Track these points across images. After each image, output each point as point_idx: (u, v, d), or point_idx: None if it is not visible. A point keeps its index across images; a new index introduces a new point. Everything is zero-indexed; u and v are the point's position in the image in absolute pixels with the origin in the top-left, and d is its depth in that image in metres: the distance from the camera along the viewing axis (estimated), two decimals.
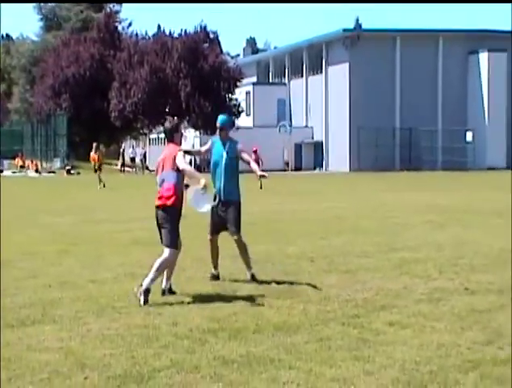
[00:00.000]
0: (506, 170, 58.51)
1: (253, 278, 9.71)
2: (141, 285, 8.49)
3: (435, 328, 7.35)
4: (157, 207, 8.78)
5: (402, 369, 6.04)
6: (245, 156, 9.93)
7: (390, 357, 6.36)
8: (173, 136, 9.04)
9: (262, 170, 10.38)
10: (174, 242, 8.72)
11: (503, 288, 9.38)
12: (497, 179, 42.84)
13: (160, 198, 8.76)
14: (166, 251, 8.72)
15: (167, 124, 9.12)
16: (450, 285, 9.59)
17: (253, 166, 9.96)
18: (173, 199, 8.63)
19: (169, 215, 8.68)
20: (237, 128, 62.69)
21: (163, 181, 8.78)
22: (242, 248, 9.80)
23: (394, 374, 5.92)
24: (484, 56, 65.64)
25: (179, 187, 8.72)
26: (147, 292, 8.41)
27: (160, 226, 8.81)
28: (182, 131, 9.48)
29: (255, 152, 32.67)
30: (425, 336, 7.04)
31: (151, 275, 8.56)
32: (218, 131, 9.89)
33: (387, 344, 6.76)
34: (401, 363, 6.20)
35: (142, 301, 8.35)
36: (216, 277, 9.88)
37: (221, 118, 10.05)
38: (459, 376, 5.89)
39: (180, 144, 9.14)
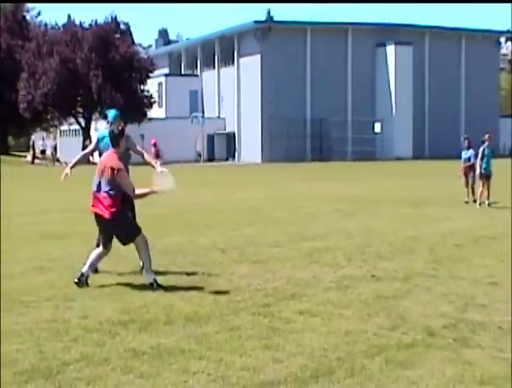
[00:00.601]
0: (412, 160, 60.12)
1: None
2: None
3: (343, 315, 7.48)
4: (96, 214, 8.77)
5: (311, 357, 6.13)
6: (138, 150, 9.97)
7: (299, 345, 6.44)
8: (118, 141, 8.89)
9: (163, 164, 10.35)
10: (133, 233, 8.73)
11: (408, 275, 9.63)
12: (403, 169, 43.89)
13: (96, 205, 8.70)
14: (137, 239, 8.77)
15: (113, 128, 9.01)
16: (358, 273, 9.78)
17: (150, 160, 9.93)
18: (113, 210, 8.60)
19: (113, 225, 8.69)
20: (149, 119, 62.27)
21: (100, 187, 8.70)
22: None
23: (303, 361, 5.99)
24: (391, 49, 67.02)
25: (118, 198, 8.62)
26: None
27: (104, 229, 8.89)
28: (128, 135, 9.34)
29: (154, 145, 31.40)
30: (334, 324, 7.15)
31: (146, 265, 8.79)
32: (109, 125, 9.80)
33: (296, 332, 6.84)
34: (310, 350, 6.29)
35: None
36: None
37: (112, 113, 10.07)
38: (365, 361, 6.02)
39: (122, 148, 9.00)
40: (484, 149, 20.08)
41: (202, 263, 10.49)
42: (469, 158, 20.89)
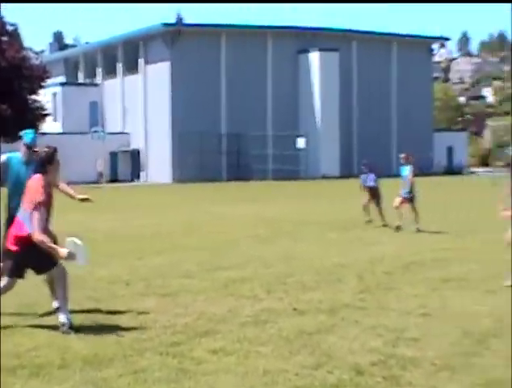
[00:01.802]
0: (340, 178, 60.83)
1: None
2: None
3: (261, 353, 7.53)
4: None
5: None
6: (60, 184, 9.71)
7: None
8: (45, 167, 8.68)
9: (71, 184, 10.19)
10: (50, 264, 8.59)
11: (334, 307, 9.76)
12: (329, 189, 44.52)
13: (15, 242, 8.58)
14: (53, 271, 8.65)
15: (41, 153, 8.74)
16: (278, 306, 9.86)
17: (68, 190, 9.77)
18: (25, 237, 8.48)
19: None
20: (42, 134, 61.34)
21: (20, 218, 8.57)
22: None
23: None
24: (314, 56, 68.00)
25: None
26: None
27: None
28: (59, 159, 8.89)
29: None
30: (251, 363, 7.19)
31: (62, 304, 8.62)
32: (25, 148, 9.56)
33: (209, 374, 6.85)
34: None
35: None
36: None
37: (30, 135, 9.67)
38: None
39: (54, 175, 8.84)
40: (404, 170, 20.68)
41: (102, 298, 10.40)
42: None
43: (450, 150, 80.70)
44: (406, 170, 20.87)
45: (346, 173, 64.20)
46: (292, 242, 17.35)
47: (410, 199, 20.25)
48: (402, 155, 21.72)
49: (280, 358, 7.36)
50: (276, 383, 6.58)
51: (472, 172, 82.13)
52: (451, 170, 77.62)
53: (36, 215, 8.40)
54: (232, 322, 8.95)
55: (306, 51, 68.00)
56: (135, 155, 66.90)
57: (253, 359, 7.33)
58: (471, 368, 7.00)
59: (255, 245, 16.86)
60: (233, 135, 64.56)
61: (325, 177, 62.27)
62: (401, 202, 20.22)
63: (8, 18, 68.03)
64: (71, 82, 75.09)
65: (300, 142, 64.68)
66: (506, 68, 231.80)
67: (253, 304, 10.01)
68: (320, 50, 67.56)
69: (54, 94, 70.17)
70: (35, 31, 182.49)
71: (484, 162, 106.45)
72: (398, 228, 19.59)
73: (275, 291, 10.93)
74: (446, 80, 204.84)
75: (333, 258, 14.41)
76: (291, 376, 6.79)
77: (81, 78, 75.75)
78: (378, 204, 21.32)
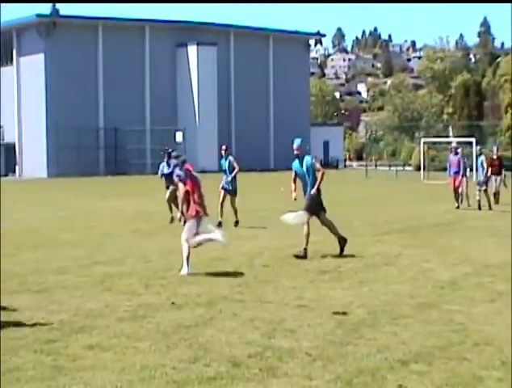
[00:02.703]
0: (218, 173, 60.89)
1: None
2: None
3: (139, 348, 7.49)
4: None
5: None
6: None
7: (88, 384, 6.37)
8: None
9: None
10: None
11: (212, 300, 9.80)
12: (206, 183, 44.51)
13: None
14: None
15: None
16: (156, 300, 9.82)
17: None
18: None
19: None
20: None
21: None
22: None
23: None
24: (193, 50, 67.93)
25: None
26: None
27: None
28: None
29: None
30: (128, 358, 7.15)
31: None
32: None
33: (85, 370, 6.76)
34: None
35: None
36: None
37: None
38: None
39: None
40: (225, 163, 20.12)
41: None
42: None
43: (326, 144, 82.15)
44: (227, 163, 20.20)
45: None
46: (171, 237, 17.27)
47: (230, 191, 19.84)
48: (223, 147, 21.24)
49: (158, 353, 7.35)
50: (153, 378, 6.56)
51: (348, 166, 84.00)
52: (328, 164, 79.06)
53: None
54: (109, 317, 8.87)
55: (184, 45, 67.83)
56: (9, 149, 65.17)
57: (130, 354, 7.28)
58: (344, 357, 7.17)
59: (134, 240, 16.75)
60: (111, 129, 63.79)
61: (203, 171, 62.25)
62: (224, 195, 19.74)
63: None
64: None
65: (179, 136, 64.43)
66: (379, 64, 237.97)
67: (131, 299, 9.94)
68: (198, 44, 67.53)
69: None
70: None
71: (359, 155, 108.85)
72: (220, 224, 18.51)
73: (153, 286, 10.89)
74: (322, 75, 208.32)
75: (211, 252, 14.42)
76: (169, 370, 6.78)
77: None
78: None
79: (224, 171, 20.38)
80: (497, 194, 26.39)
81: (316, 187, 14.02)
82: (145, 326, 8.41)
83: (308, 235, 13.68)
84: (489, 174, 26.23)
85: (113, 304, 9.62)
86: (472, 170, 32.64)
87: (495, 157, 26.86)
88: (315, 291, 10.41)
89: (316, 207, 14.12)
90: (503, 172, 27.17)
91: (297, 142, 14.23)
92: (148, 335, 8.04)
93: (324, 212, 14.32)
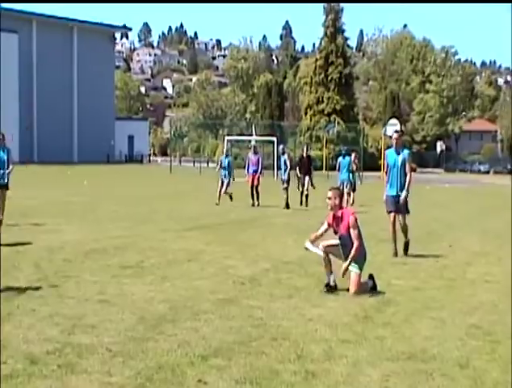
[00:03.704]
0: (19, 164, 59.14)
1: None
2: None
3: None
4: None
5: None
6: None
7: None
8: None
9: None
10: None
11: (9, 295, 9.48)
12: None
13: None
14: None
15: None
16: None
17: None
18: None
19: None
20: None
21: None
22: None
23: None
24: None
25: None
26: None
27: None
28: None
29: None
30: None
31: None
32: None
33: None
34: None
35: None
36: None
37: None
38: None
39: None
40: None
41: None
42: None
43: (131, 139, 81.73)
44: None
45: (26, 160, 62.73)
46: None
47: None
48: None
49: None
50: None
51: (153, 161, 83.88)
52: (132, 159, 78.65)
53: None
54: None
55: None
56: None
57: None
58: (145, 352, 7.15)
59: None
60: None
61: None
62: None
63: None
64: None
65: None
66: (185, 61, 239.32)
67: None
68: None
69: None
70: None
71: (164, 151, 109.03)
72: None
73: None
74: (128, 70, 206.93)
75: (10, 245, 13.98)
76: None
77: None
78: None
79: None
80: (307, 196, 26.07)
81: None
82: None
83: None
84: (299, 174, 26.38)
85: None
86: (273, 168, 33.17)
87: (304, 155, 27.01)
88: (117, 286, 10.32)
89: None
90: (312, 172, 26.86)
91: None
92: None
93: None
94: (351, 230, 10.14)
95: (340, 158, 26.64)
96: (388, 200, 14.08)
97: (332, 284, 10.26)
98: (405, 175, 13.89)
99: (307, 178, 26.38)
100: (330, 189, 10.49)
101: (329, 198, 10.33)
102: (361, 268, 10.22)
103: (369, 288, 10.26)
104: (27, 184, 34.49)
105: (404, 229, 14.14)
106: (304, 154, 27.15)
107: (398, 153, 13.96)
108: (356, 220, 10.22)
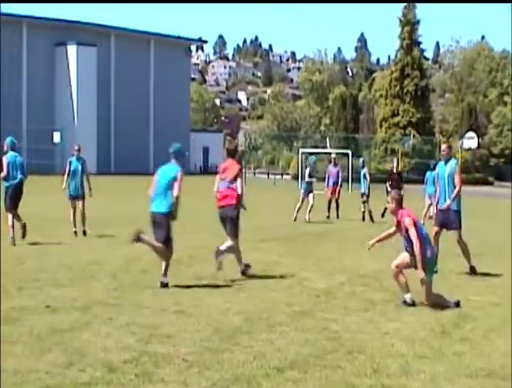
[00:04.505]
0: (97, 175, 60.12)
1: None
2: None
3: (12, 353, 7.30)
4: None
5: None
6: None
7: None
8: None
9: None
10: None
11: (87, 304, 9.65)
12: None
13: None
14: None
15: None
16: (30, 303, 9.59)
17: None
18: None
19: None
20: None
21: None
22: None
23: None
24: (72, 50, 66.95)
25: None
26: None
27: None
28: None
29: None
30: (1, 363, 6.94)
31: None
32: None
33: None
34: None
35: None
36: None
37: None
38: None
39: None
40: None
41: None
42: None
43: (206, 151, 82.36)
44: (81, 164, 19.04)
45: (104, 170, 63.71)
46: (45, 238, 16.96)
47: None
48: (76, 147, 19.46)
49: (31, 357, 7.17)
50: (26, 383, 6.41)
51: None
52: (207, 171, 79.25)
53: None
54: None
55: (63, 44, 66.69)
56: None
57: (3, 359, 7.07)
58: (220, 363, 7.18)
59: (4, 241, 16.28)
60: None
61: None
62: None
63: None
64: None
65: (56, 137, 63.23)
66: (259, 73, 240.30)
67: (4, 302, 9.66)
68: (78, 44, 66.56)
69: None
70: None
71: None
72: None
73: (27, 288, 10.64)
74: (203, 82, 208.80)
75: (88, 255, 14.24)
76: (42, 375, 6.64)
77: None
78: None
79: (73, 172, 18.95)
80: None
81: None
82: (18, 330, 8.19)
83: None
84: (389, 188, 25.09)
85: None
86: (348, 181, 32.71)
87: (395, 171, 26.45)
88: (192, 297, 10.40)
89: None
90: (402, 188, 25.72)
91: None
92: (21, 338, 7.84)
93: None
94: (409, 231, 10.02)
95: (428, 172, 25.90)
96: (437, 213, 13.78)
97: (409, 301, 10.15)
98: (454, 186, 13.46)
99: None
100: (388, 194, 10.62)
101: (388, 202, 10.41)
102: (433, 271, 10.08)
103: (450, 304, 10.12)
104: (104, 195, 35.04)
105: (463, 248, 13.50)
106: (395, 170, 26.68)
107: (446, 165, 13.64)
108: (412, 219, 10.10)
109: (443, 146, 13.92)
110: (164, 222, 11.37)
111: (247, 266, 12.52)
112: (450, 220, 13.41)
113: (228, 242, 12.38)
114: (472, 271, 13.47)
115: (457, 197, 13.37)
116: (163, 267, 11.32)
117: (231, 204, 12.36)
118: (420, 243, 9.94)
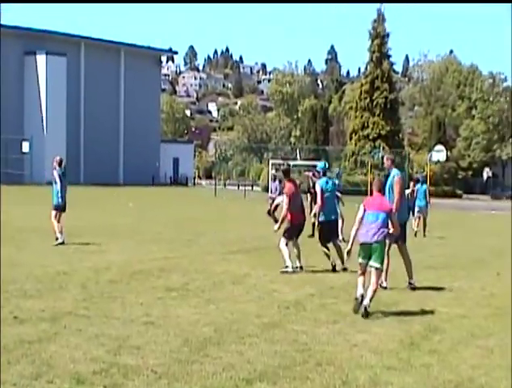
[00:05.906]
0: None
1: None
2: None
3: None
4: None
5: None
6: None
7: None
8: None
9: None
10: None
11: (56, 315, 9.59)
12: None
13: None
14: None
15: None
16: None
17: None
18: None
19: None
20: None
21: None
22: None
23: None
24: (42, 59, 66.54)
25: None
26: None
27: None
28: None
29: None
30: None
31: None
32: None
33: None
34: None
35: None
36: None
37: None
38: None
39: None
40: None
41: None
42: None
43: (176, 161, 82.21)
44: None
45: (72, 180, 63.07)
46: (15, 248, 16.81)
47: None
48: (57, 159, 19.96)
49: None
50: None
51: (198, 184, 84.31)
52: (177, 181, 79.09)
53: None
54: None
55: (33, 53, 66.32)
56: None
57: None
58: (190, 375, 7.17)
59: None
60: None
61: (50, 183, 60.68)
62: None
63: None
64: None
65: (25, 146, 62.78)
66: (230, 84, 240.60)
67: None
68: (47, 53, 66.22)
69: None
70: None
71: (209, 174, 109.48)
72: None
73: None
74: (174, 93, 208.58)
75: (57, 266, 14.14)
76: (9, 387, 6.59)
77: None
78: None
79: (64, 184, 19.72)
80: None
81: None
82: None
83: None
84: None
85: None
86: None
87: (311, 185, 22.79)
88: (162, 308, 10.37)
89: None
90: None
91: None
92: None
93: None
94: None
95: (418, 185, 25.93)
96: None
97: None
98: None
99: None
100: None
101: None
102: None
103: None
104: (73, 205, 34.82)
105: (407, 263, 13.01)
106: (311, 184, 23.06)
107: (389, 177, 13.40)
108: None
109: (384, 158, 14.06)
110: None
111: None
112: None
113: None
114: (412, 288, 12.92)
115: (397, 210, 12.40)
116: None
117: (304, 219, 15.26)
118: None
